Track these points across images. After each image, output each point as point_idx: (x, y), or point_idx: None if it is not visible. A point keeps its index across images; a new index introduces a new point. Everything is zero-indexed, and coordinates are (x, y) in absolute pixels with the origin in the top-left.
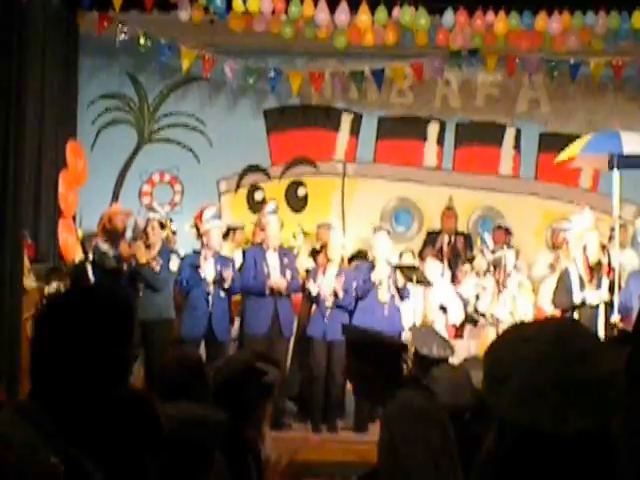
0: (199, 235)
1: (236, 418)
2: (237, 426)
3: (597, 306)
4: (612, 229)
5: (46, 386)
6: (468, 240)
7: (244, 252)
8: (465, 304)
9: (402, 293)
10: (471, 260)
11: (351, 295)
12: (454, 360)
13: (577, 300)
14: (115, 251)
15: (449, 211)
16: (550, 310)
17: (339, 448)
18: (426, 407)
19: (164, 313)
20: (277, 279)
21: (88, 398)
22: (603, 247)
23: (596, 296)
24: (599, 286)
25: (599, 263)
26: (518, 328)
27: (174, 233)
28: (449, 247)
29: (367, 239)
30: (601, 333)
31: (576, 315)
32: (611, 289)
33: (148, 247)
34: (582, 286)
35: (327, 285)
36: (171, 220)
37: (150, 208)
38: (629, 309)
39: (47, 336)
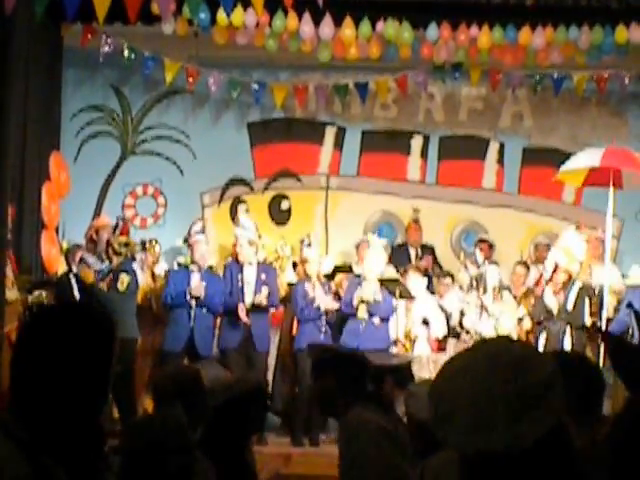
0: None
1: (240, 438)
2: (241, 445)
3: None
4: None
5: (25, 401)
6: (434, 253)
7: (224, 267)
8: (448, 318)
9: (374, 312)
10: (446, 274)
11: (347, 306)
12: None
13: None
14: (101, 264)
15: (415, 224)
16: (528, 324)
17: (321, 462)
18: (374, 423)
19: (125, 333)
20: (244, 310)
21: (67, 415)
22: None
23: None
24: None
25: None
26: (454, 360)
27: (157, 244)
28: (417, 260)
29: (350, 252)
30: (567, 345)
31: (545, 327)
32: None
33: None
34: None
35: (320, 299)
36: (155, 241)
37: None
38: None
39: (28, 352)
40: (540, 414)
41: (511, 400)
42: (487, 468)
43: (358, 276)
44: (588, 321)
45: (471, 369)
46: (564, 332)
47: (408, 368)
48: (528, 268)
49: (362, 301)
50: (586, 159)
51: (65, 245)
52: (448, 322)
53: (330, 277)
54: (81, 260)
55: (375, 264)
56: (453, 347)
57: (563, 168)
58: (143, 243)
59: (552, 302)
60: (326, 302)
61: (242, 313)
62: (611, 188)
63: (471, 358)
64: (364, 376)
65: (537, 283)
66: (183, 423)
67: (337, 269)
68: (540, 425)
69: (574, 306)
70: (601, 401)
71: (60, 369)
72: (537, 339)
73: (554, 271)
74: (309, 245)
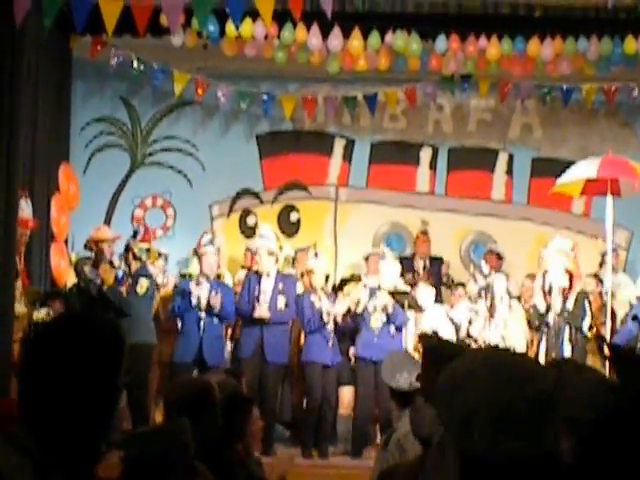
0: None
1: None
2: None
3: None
4: (604, 254)
5: (33, 414)
6: (441, 264)
7: (245, 276)
8: (457, 328)
9: (393, 320)
10: (457, 284)
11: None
12: None
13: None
14: (96, 275)
15: (424, 235)
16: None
17: (330, 474)
18: None
19: (141, 337)
20: (262, 309)
21: (76, 426)
22: (567, 272)
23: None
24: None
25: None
26: (454, 369)
27: (162, 257)
28: (425, 272)
29: (359, 264)
30: (567, 352)
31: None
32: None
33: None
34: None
35: (325, 310)
36: (160, 254)
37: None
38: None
39: (35, 363)
40: (524, 431)
41: (521, 411)
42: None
43: (363, 285)
44: (586, 326)
45: (477, 378)
46: (563, 332)
47: None
48: None
49: (376, 309)
50: (583, 170)
51: (74, 257)
52: (458, 333)
53: (339, 288)
54: (80, 273)
55: (390, 275)
56: None
57: (560, 180)
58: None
59: (556, 303)
60: (335, 308)
61: (260, 312)
62: (609, 197)
63: (473, 367)
64: None
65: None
66: (187, 439)
67: (344, 281)
68: (519, 440)
69: (573, 308)
70: None
71: (66, 381)
72: (539, 345)
73: (571, 277)
74: (315, 255)
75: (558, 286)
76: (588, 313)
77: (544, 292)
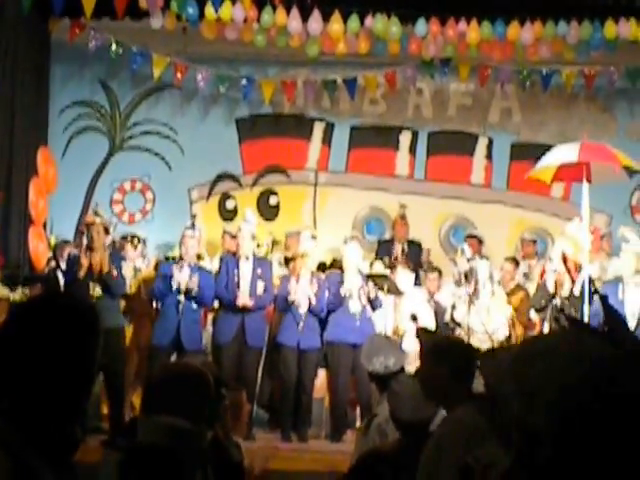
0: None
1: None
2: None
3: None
4: (602, 236)
5: (7, 395)
6: (420, 248)
7: (220, 260)
8: (443, 313)
9: (374, 304)
10: (435, 269)
11: (323, 303)
12: None
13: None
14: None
15: (402, 219)
16: (534, 315)
17: (309, 458)
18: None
19: (115, 321)
20: (244, 297)
21: (50, 407)
22: (564, 258)
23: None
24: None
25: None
26: (531, 343)
27: (141, 242)
28: (403, 256)
29: (339, 248)
30: None
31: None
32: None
33: (91, 249)
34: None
35: (301, 293)
36: (138, 239)
37: (95, 212)
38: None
39: (10, 344)
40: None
41: (594, 409)
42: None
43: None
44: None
45: (554, 354)
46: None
47: None
48: (517, 264)
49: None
50: (562, 155)
51: (53, 240)
52: (443, 317)
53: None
54: (69, 256)
55: (353, 256)
56: None
57: (539, 164)
58: (126, 237)
59: (565, 289)
60: (309, 291)
61: (243, 300)
62: (585, 183)
63: (551, 344)
64: (473, 368)
65: (541, 275)
66: (197, 426)
67: (327, 265)
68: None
69: (580, 293)
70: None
71: (42, 361)
72: (542, 325)
73: (565, 262)
74: (314, 238)
75: (557, 272)
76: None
77: (569, 272)
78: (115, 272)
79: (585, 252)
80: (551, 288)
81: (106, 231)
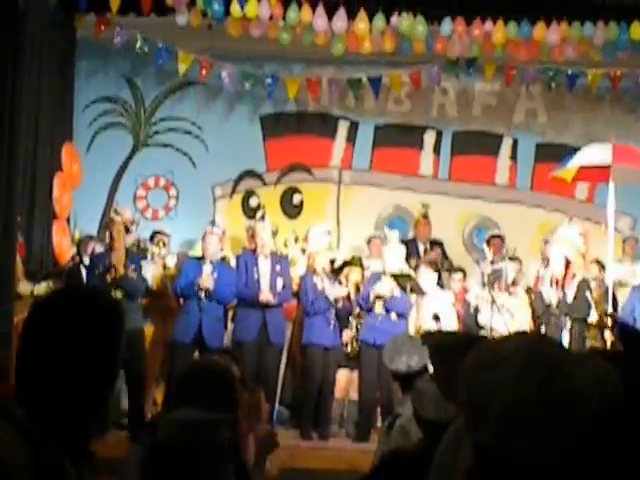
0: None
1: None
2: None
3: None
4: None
5: (31, 388)
6: (442, 248)
7: (237, 258)
8: (472, 313)
9: (391, 307)
10: (458, 269)
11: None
12: None
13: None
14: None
15: (424, 219)
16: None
17: (330, 456)
18: None
19: (135, 322)
20: (266, 293)
21: (73, 401)
22: (568, 261)
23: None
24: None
25: (566, 276)
26: (485, 351)
27: (167, 237)
28: (426, 255)
29: (362, 247)
30: (565, 343)
31: (545, 320)
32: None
33: (112, 249)
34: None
35: (330, 289)
36: (166, 236)
37: (115, 211)
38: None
39: (33, 337)
40: (575, 427)
41: (550, 406)
42: (509, 473)
43: (364, 269)
44: (592, 316)
45: (507, 363)
46: (564, 325)
47: None
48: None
49: (378, 297)
50: (595, 156)
51: (78, 235)
52: (473, 317)
53: (338, 271)
54: (93, 252)
55: (395, 259)
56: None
57: (570, 164)
58: (153, 235)
59: (552, 295)
60: (335, 291)
61: (265, 296)
62: (611, 184)
63: (506, 351)
64: None
65: (536, 279)
66: (220, 424)
67: (345, 263)
68: (572, 439)
69: (574, 298)
70: None
71: (64, 353)
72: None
73: (567, 267)
74: (328, 234)
75: (556, 276)
76: (592, 303)
77: (550, 281)
78: (133, 273)
79: (610, 256)
80: (549, 296)
81: (127, 230)
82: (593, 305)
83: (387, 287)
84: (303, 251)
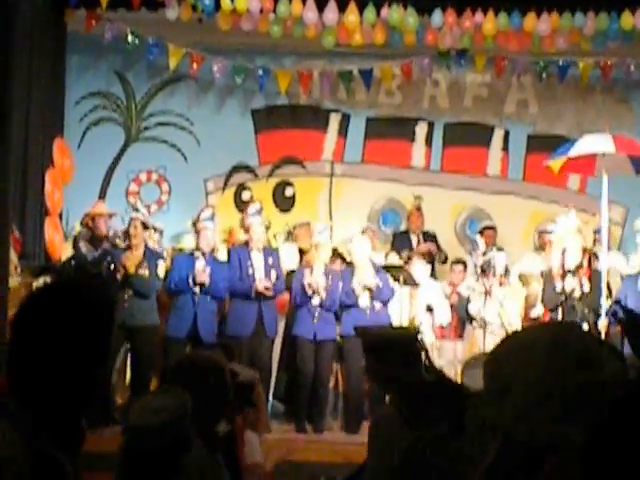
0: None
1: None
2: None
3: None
4: (597, 231)
5: (22, 380)
6: (436, 240)
7: (229, 252)
8: (464, 304)
9: (377, 297)
10: (457, 261)
11: (335, 298)
12: (440, 363)
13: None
14: (95, 253)
15: (417, 211)
16: (540, 310)
17: (325, 449)
18: None
19: (150, 319)
20: (263, 281)
21: (65, 393)
22: (585, 251)
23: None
24: (582, 289)
25: (581, 266)
26: (515, 336)
27: (159, 232)
28: (419, 247)
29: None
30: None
31: (560, 313)
32: (600, 294)
33: (130, 248)
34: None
35: (316, 285)
36: (155, 229)
37: (134, 208)
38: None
39: (24, 329)
40: (594, 417)
41: (569, 395)
42: (529, 461)
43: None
44: (604, 304)
45: (534, 348)
46: (582, 316)
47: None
48: None
49: (367, 289)
50: (596, 145)
51: (78, 228)
52: (463, 309)
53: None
54: (76, 249)
55: (362, 250)
56: (469, 334)
57: (571, 153)
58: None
59: (567, 285)
60: (325, 284)
61: (262, 284)
62: (604, 175)
63: (534, 337)
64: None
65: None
66: (186, 412)
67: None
68: (590, 428)
69: (590, 289)
70: None
71: (55, 346)
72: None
73: (589, 257)
74: (326, 230)
75: (576, 266)
76: (604, 291)
77: (563, 272)
78: (145, 272)
79: (604, 246)
80: (559, 286)
81: (144, 227)
82: (604, 295)
83: (368, 278)
84: (300, 252)
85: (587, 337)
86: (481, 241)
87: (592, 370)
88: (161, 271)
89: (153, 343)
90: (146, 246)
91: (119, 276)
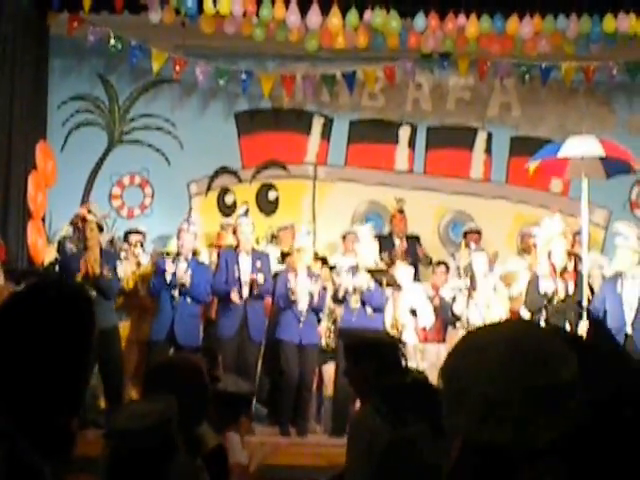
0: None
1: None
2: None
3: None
4: (577, 233)
5: (3, 385)
6: (418, 242)
7: (218, 254)
8: (447, 306)
9: (368, 301)
10: (438, 263)
11: (325, 300)
12: (423, 365)
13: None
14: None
15: (400, 214)
16: (525, 314)
17: (308, 452)
18: None
19: (109, 321)
20: (235, 295)
21: (46, 398)
22: (570, 254)
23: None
24: (566, 291)
25: (566, 269)
26: (471, 336)
27: (142, 235)
28: (401, 250)
29: (337, 243)
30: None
31: (544, 316)
32: (580, 295)
33: (86, 249)
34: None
35: (301, 289)
36: (138, 232)
37: (88, 210)
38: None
39: (3, 333)
40: (556, 418)
41: (532, 395)
42: (488, 465)
43: (332, 267)
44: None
45: (491, 348)
46: (565, 314)
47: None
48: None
49: (354, 290)
50: (584, 148)
51: (65, 232)
52: (447, 311)
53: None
54: (61, 248)
55: (369, 254)
56: (452, 336)
57: (562, 154)
58: (126, 234)
59: (550, 288)
60: (310, 287)
61: (235, 296)
62: (585, 178)
63: (492, 336)
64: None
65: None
66: (172, 416)
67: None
68: (553, 430)
69: (574, 290)
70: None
71: (36, 351)
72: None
73: (574, 260)
74: (308, 234)
75: (561, 268)
76: (585, 293)
77: (555, 273)
78: (108, 273)
79: (584, 248)
80: (542, 288)
81: (100, 228)
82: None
83: (360, 283)
84: (282, 255)
85: (545, 335)
86: (465, 245)
87: (549, 369)
88: (120, 271)
89: (114, 345)
90: (101, 248)
91: (83, 277)
